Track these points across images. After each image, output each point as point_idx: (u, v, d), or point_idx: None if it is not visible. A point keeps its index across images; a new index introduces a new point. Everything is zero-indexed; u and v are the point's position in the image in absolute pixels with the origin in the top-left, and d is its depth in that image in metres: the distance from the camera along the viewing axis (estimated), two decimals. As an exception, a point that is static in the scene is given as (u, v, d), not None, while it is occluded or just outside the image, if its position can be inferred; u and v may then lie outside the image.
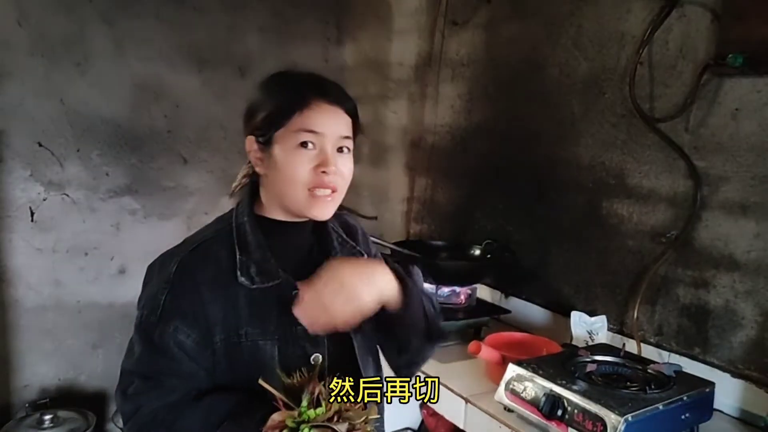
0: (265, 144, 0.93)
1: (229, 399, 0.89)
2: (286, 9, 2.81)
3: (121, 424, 2.34)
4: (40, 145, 2.34)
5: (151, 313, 0.90)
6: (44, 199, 2.37)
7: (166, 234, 2.61)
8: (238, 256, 0.93)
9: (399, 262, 1.02)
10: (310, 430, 0.80)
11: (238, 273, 0.92)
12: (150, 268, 0.98)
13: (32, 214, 2.36)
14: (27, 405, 2.34)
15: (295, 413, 0.81)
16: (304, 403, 0.81)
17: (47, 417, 2.12)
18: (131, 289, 2.60)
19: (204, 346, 0.90)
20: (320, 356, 0.95)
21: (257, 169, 0.97)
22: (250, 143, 0.95)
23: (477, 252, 2.06)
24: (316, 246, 1.04)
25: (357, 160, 1.04)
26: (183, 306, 0.89)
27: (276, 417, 0.81)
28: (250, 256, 0.93)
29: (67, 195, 2.42)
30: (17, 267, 2.34)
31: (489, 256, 2.05)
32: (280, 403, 0.83)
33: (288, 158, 0.91)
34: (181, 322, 0.89)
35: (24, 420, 2.15)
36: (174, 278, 0.91)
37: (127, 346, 0.94)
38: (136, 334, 0.92)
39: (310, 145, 0.91)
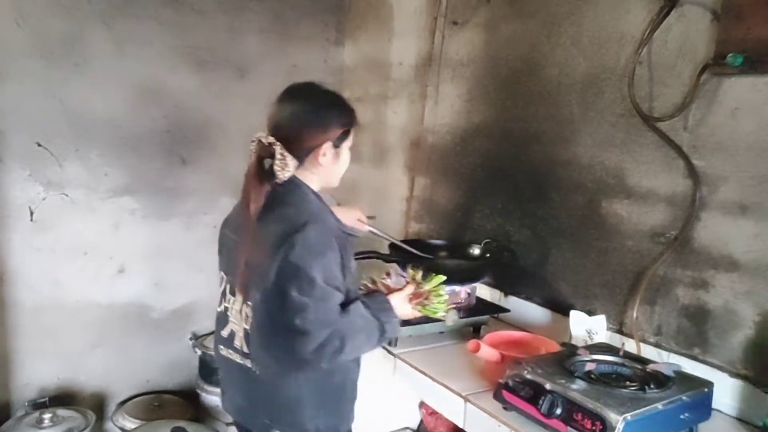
0: (336, 147, 1.38)
1: (356, 301, 1.34)
2: (286, 11, 2.82)
3: (120, 423, 2.35)
4: (39, 145, 2.34)
5: (330, 270, 1.28)
6: (43, 199, 2.37)
7: (165, 234, 2.61)
8: (334, 219, 1.37)
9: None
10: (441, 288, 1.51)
11: (344, 228, 1.38)
12: (302, 238, 1.25)
13: (32, 213, 2.36)
14: (26, 404, 2.34)
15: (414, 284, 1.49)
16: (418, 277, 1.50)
17: (47, 416, 2.12)
18: (130, 288, 2.62)
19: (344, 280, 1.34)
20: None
21: (322, 162, 1.35)
22: (327, 148, 1.35)
23: (476, 251, 2.06)
24: None
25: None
26: (345, 263, 1.33)
27: (410, 290, 1.47)
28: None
29: (66, 195, 2.42)
30: (17, 267, 2.34)
31: (488, 255, 2.05)
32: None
33: (347, 156, 1.43)
34: (342, 274, 1.32)
35: (24, 418, 2.15)
36: (338, 247, 1.31)
37: (299, 307, 1.24)
38: (318, 290, 1.25)
39: None
